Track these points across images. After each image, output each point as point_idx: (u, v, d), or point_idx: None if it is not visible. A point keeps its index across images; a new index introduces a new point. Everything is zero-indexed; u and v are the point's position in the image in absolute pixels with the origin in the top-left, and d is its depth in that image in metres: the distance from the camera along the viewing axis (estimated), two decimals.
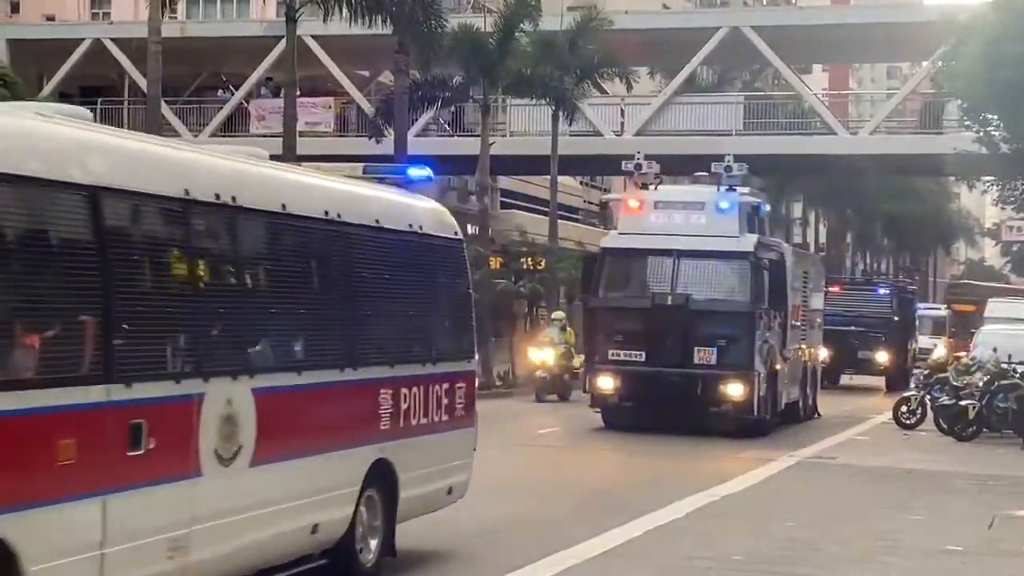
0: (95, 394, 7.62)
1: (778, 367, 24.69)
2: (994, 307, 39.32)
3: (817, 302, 30.84)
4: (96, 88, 47.08)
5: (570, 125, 40.39)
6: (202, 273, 8.74)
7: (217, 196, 8.88)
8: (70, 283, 7.59)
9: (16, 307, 7.23)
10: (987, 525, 14.75)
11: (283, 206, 9.63)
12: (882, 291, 43.82)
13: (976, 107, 32.90)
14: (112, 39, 44.75)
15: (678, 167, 44.23)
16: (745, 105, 44.17)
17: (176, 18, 46.49)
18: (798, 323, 27.16)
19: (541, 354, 32.15)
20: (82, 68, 45.59)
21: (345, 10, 32.76)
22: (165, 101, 33.99)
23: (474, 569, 11.86)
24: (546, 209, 43.13)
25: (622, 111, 44.33)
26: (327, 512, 9.91)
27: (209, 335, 8.78)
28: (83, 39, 45.50)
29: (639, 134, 42.14)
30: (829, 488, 17.81)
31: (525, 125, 43.63)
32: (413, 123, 39.17)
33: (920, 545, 13.41)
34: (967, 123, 34.23)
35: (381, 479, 10.63)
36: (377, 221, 10.93)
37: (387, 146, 36.14)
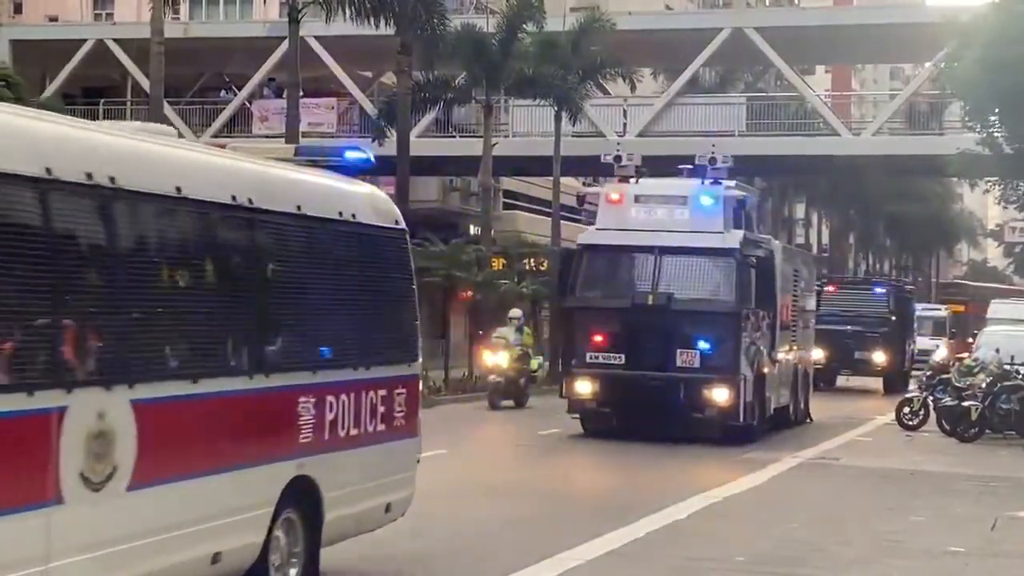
0: None
1: (766, 370, 23.45)
2: (996, 308, 39.28)
3: (809, 301, 29.75)
4: (99, 89, 47.11)
5: (573, 126, 40.39)
6: (69, 265, 7.56)
7: (89, 176, 7.68)
8: None
9: None
10: (989, 526, 14.75)
11: (178, 189, 8.39)
12: (879, 291, 43.07)
13: (978, 108, 32.89)
14: (115, 40, 44.78)
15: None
16: (748, 106, 44.15)
17: (179, 19, 46.58)
18: (788, 323, 26.02)
19: (494, 356, 29.45)
20: (85, 69, 45.61)
21: (348, 11, 32.79)
22: (168, 102, 33.98)
23: (475, 570, 11.86)
24: (548, 210, 43.14)
25: (625, 112, 44.34)
26: (232, 538, 8.72)
27: (73, 338, 7.50)
28: (86, 40, 45.53)
29: (642, 135, 42.14)
30: (832, 489, 17.80)
31: (528, 126, 43.64)
32: (415, 124, 39.15)
33: (923, 546, 13.41)
34: (970, 124, 34.22)
35: (301, 498, 9.50)
36: (299, 208, 9.69)
37: (389, 147, 36.15)
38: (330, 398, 9.86)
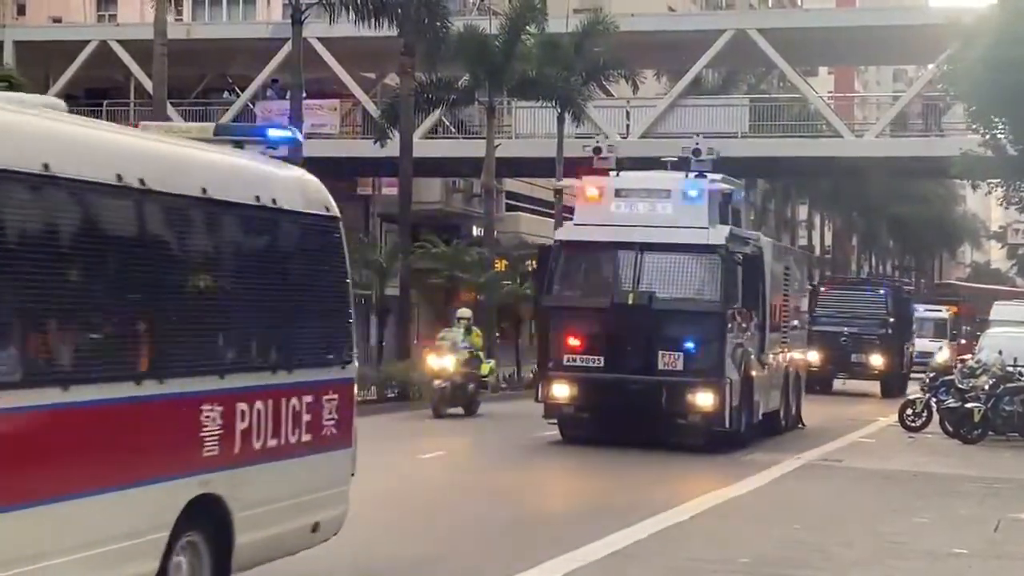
0: None
1: (754, 373, 22.35)
2: (999, 310, 39.25)
3: (801, 301, 28.65)
4: (102, 90, 47.17)
5: (575, 127, 40.42)
6: None
7: None
8: None
9: None
10: (992, 528, 14.73)
11: (45, 166, 7.30)
12: (877, 291, 41.89)
13: (982, 110, 32.88)
14: (118, 41, 44.84)
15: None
16: (751, 107, 44.18)
17: (182, 20, 46.62)
18: (778, 324, 24.95)
19: (440, 360, 27.00)
20: (88, 70, 45.66)
21: (351, 12, 32.82)
22: (171, 103, 34.01)
23: (478, 572, 11.86)
24: (551, 211, 43.16)
25: (627, 113, 44.38)
26: (117, 568, 7.72)
27: None
28: (89, 41, 45.59)
29: (644, 136, 42.17)
30: (834, 491, 17.79)
31: (530, 127, 43.66)
32: (418, 125, 39.18)
33: (926, 548, 13.40)
34: (973, 126, 34.22)
35: (207, 520, 8.46)
36: (204, 191, 8.58)
37: (392, 148, 36.18)
38: (242, 406, 8.80)
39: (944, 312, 53.50)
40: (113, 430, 7.79)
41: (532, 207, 54.10)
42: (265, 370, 9.17)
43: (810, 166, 47.20)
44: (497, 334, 36.66)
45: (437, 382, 26.76)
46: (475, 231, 48.26)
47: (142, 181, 8.03)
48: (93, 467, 7.59)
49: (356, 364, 10.42)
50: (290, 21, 32.56)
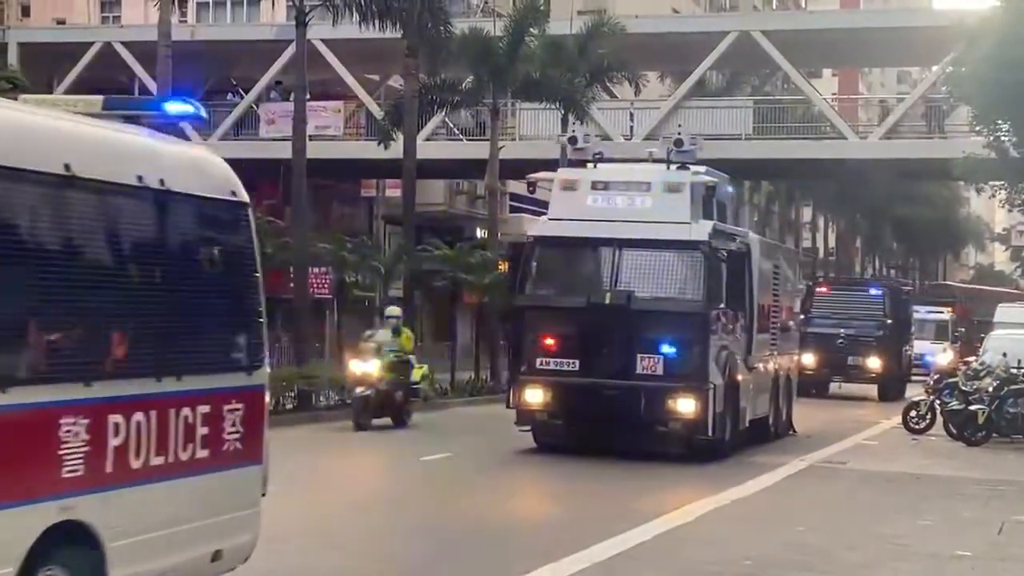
0: None
1: (740, 378, 21.17)
2: (1003, 312, 39.16)
3: (792, 301, 27.31)
4: (106, 91, 46.99)
5: (582, 125, 40.41)
6: None
7: None
8: None
9: None
10: (996, 530, 14.73)
11: None
12: (874, 292, 40.73)
13: (986, 112, 32.86)
14: (122, 42, 44.86)
15: None
16: (755, 109, 44.14)
17: (186, 21, 46.63)
18: (767, 325, 23.63)
19: (363, 364, 24.10)
20: (92, 71, 45.65)
21: (355, 14, 32.82)
22: None
23: (481, 574, 11.86)
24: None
25: (631, 115, 44.35)
26: None
27: None
28: (93, 42, 45.61)
29: (648, 138, 42.11)
30: (839, 493, 17.79)
31: (534, 129, 43.65)
32: (422, 127, 39.19)
33: (929, 550, 13.40)
34: (977, 128, 34.20)
35: (71, 551, 7.30)
36: (67, 168, 7.45)
37: (396, 149, 36.18)
38: (115, 418, 7.59)
39: (945, 314, 52.43)
40: None
41: (536, 209, 54.11)
42: (147, 377, 7.89)
43: (814, 168, 47.14)
44: (502, 341, 36.60)
45: (359, 389, 23.70)
46: (479, 233, 48.21)
47: None
48: None
49: (267, 369, 9.15)
50: (294, 23, 32.53)
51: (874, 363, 38.00)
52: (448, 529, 13.78)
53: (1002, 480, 19.39)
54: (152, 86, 36.42)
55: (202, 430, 8.30)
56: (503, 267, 39.62)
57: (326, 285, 39.85)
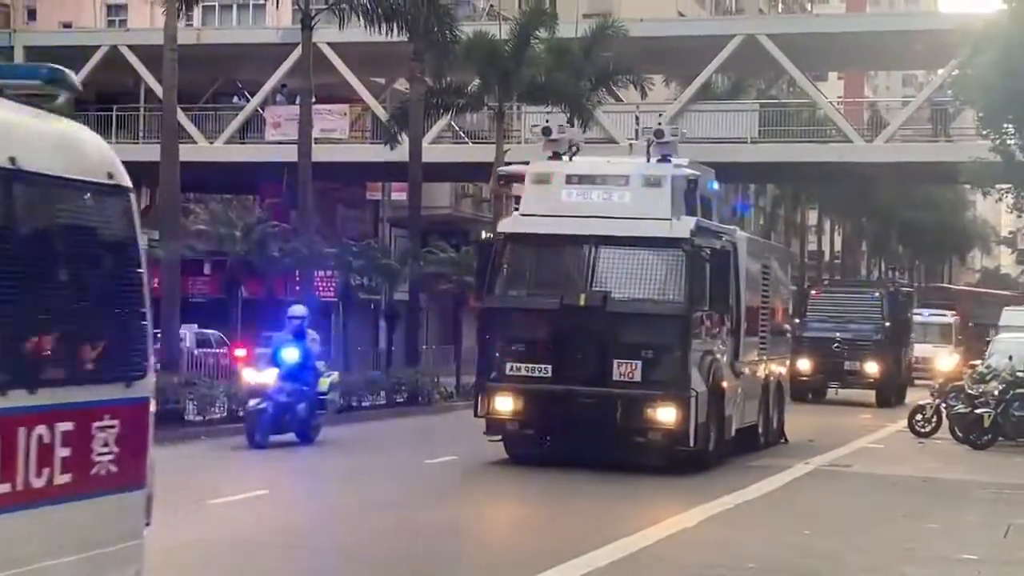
0: None
1: (725, 384, 19.89)
2: (1009, 316, 39.06)
3: (784, 303, 25.88)
4: (112, 95, 47.23)
5: (584, 132, 40.42)
6: None
7: None
8: None
9: None
10: (1002, 534, 14.72)
11: None
12: (872, 294, 39.27)
13: (992, 115, 32.85)
14: (128, 46, 44.93)
15: None
16: (760, 113, 44.14)
17: (192, 25, 46.65)
18: (755, 329, 22.34)
19: (257, 373, 21.16)
20: (98, 75, 45.68)
21: (361, 18, 32.87)
22: (181, 108, 34.08)
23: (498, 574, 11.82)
24: None
25: (637, 118, 44.30)
26: None
27: None
28: (99, 46, 45.67)
29: None
30: (844, 496, 17.77)
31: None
32: (428, 130, 39.22)
33: (935, 553, 13.39)
34: (983, 132, 34.18)
35: None
36: None
37: (402, 153, 36.21)
38: None
39: (949, 317, 51.06)
40: None
41: None
42: None
43: (819, 171, 47.15)
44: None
45: (253, 402, 20.65)
46: (484, 236, 48.23)
47: None
48: None
49: (152, 378, 7.84)
50: (300, 26, 32.62)
51: (872, 368, 36.76)
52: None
53: (1008, 484, 19.37)
54: (158, 89, 36.45)
55: (63, 451, 6.90)
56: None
57: (332, 288, 39.90)
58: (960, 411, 24.74)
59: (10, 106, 7.28)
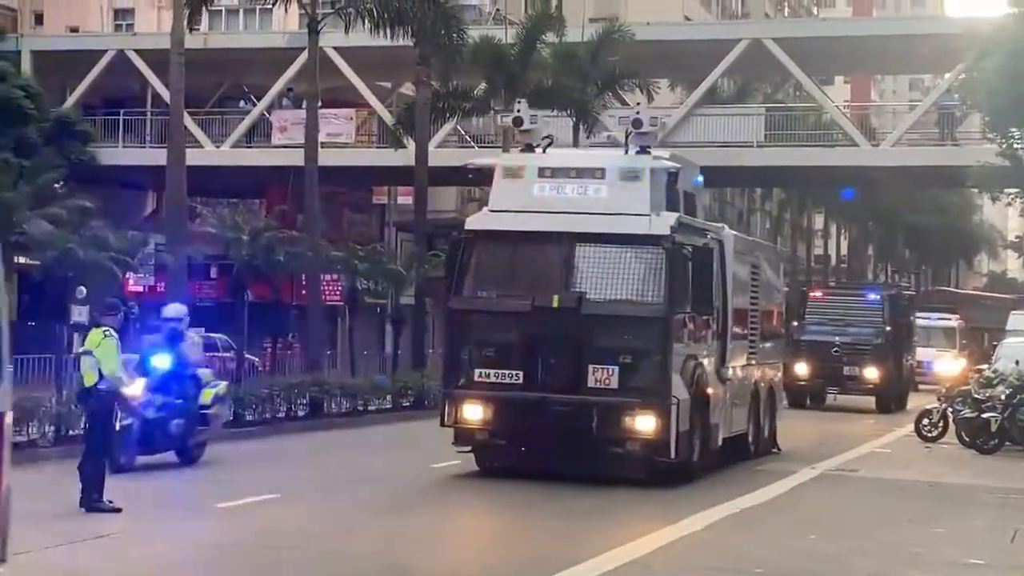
0: None
1: (710, 391, 18.74)
2: (1016, 320, 38.98)
3: (777, 305, 24.57)
4: (119, 99, 47.34)
5: (590, 136, 40.44)
6: None
7: None
8: None
9: None
10: (1009, 538, 14.70)
11: None
12: (871, 296, 37.90)
13: (998, 119, 32.84)
14: (135, 50, 45.00)
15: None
16: (766, 117, 44.13)
17: (199, 29, 46.67)
18: (744, 332, 21.21)
19: (128, 385, 15.67)
20: (105, 79, 45.82)
21: (367, 22, 32.91)
22: (187, 112, 34.13)
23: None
24: None
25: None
26: None
27: None
28: (106, 50, 45.75)
29: (660, 145, 42.12)
30: (851, 501, 17.75)
31: None
32: (434, 134, 39.24)
33: (942, 558, 13.37)
34: (990, 135, 34.17)
35: None
36: None
37: (408, 156, 36.23)
38: None
39: (953, 321, 50.14)
40: None
41: None
42: None
43: (826, 175, 47.14)
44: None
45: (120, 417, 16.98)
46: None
47: None
48: None
49: (8, 387, 6.78)
50: (306, 31, 32.65)
51: (872, 373, 35.70)
52: None
53: (1015, 488, 19.34)
54: (165, 94, 36.51)
55: None
56: None
57: (338, 292, 39.94)
58: (967, 415, 24.71)
59: None
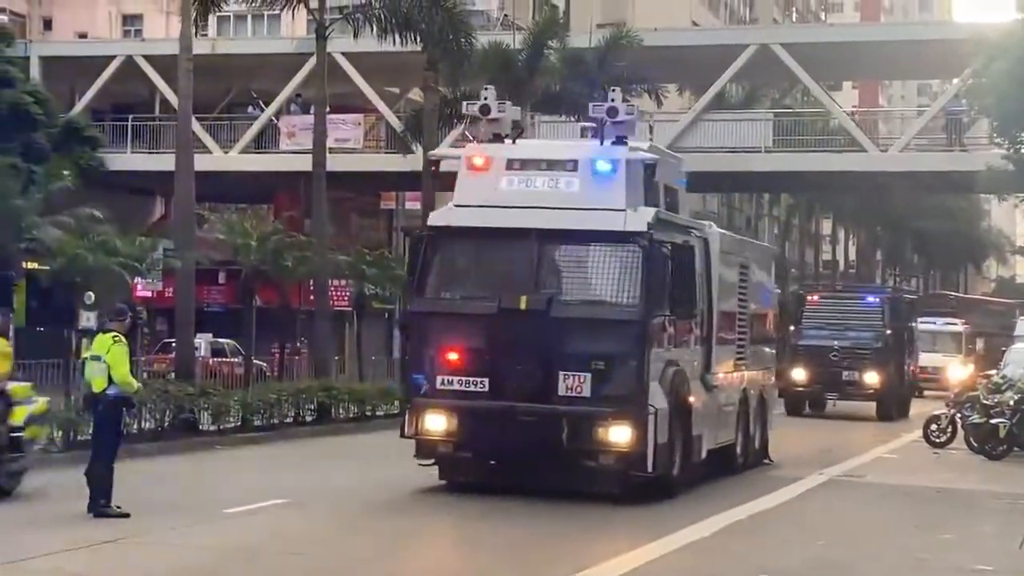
0: None
1: (692, 399, 17.56)
2: None
3: (769, 307, 23.27)
4: (128, 105, 47.39)
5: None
6: None
7: None
8: None
9: None
10: (1017, 544, 14.66)
11: None
12: (871, 300, 36.57)
13: (1006, 124, 32.81)
14: (144, 56, 45.06)
15: (706, 184, 44.23)
16: (774, 122, 44.09)
17: (207, 35, 46.79)
18: (731, 337, 19.97)
19: None
20: (114, 85, 45.88)
21: (375, 28, 32.94)
22: (196, 117, 34.14)
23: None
24: None
25: (651, 128, 44.25)
26: None
27: None
28: (115, 56, 45.81)
29: (669, 150, 42.14)
30: (858, 507, 17.74)
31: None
32: (442, 139, 39.26)
33: (950, 564, 13.36)
34: (997, 140, 34.13)
35: None
36: None
37: (416, 162, 36.24)
38: None
39: (959, 325, 49.21)
40: None
41: None
42: None
43: (834, 181, 47.09)
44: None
45: None
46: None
47: None
48: None
49: None
50: (314, 36, 32.67)
51: (871, 378, 34.43)
52: None
53: (1023, 494, 19.32)
54: (173, 99, 36.55)
55: None
56: None
57: (346, 297, 39.95)
58: (975, 421, 24.68)
59: None
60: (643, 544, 13.46)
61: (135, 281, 30.76)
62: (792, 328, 35.47)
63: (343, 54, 40.19)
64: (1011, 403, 24.29)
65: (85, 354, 15.89)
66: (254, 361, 34.55)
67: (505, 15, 50.81)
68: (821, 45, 44.31)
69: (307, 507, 15.72)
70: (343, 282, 39.04)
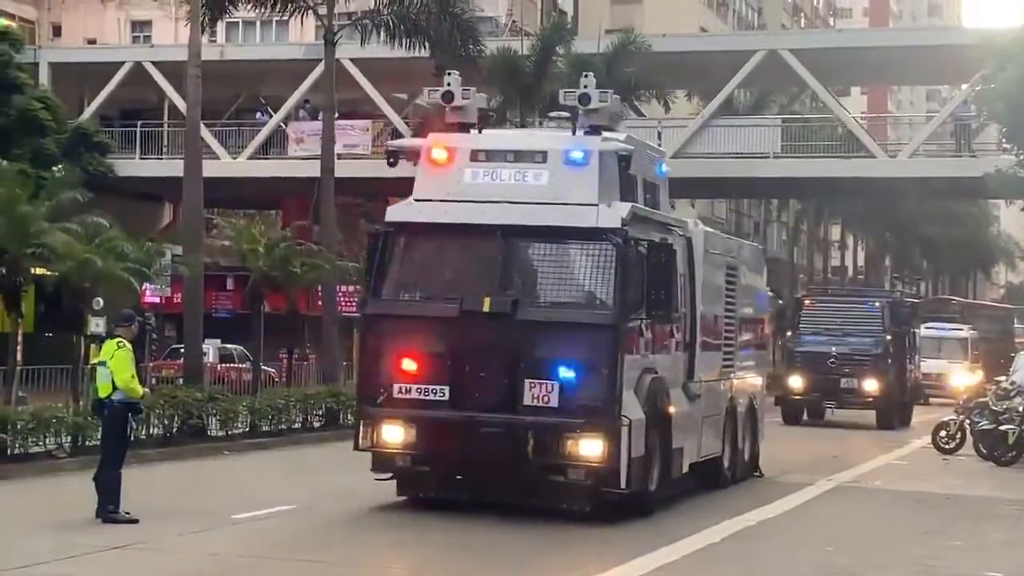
0: None
1: (672, 409, 16.32)
2: None
3: (760, 311, 21.89)
4: (136, 111, 47.49)
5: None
6: None
7: None
8: None
9: None
10: None
11: None
12: (871, 304, 35.37)
13: (1016, 130, 32.75)
14: (152, 62, 45.14)
15: (715, 190, 44.21)
16: (783, 128, 44.07)
17: (216, 41, 46.90)
18: (718, 342, 18.78)
19: None
20: (123, 91, 45.96)
21: (383, 34, 32.99)
22: (204, 123, 34.23)
23: None
24: None
25: (659, 133, 44.27)
26: None
27: None
28: (124, 62, 45.90)
29: (676, 156, 42.05)
30: (867, 513, 17.70)
31: None
32: None
33: (959, 571, 13.33)
34: (1006, 146, 34.07)
35: None
36: None
37: None
38: None
39: (965, 331, 48.15)
40: None
41: None
42: None
43: (842, 186, 47.05)
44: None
45: None
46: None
47: None
48: None
49: None
50: (323, 42, 32.74)
51: (871, 385, 33.27)
52: None
53: None
54: (182, 105, 36.61)
55: None
56: None
57: (354, 303, 39.94)
58: (984, 427, 24.65)
59: None
60: (611, 567, 12.49)
61: (144, 287, 30.80)
62: (789, 333, 35.18)
63: (351, 60, 40.23)
64: (1020, 409, 24.25)
65: (94, 360, 16.01)
66: (262, 367, 34.56)
67: (513, 21, 50.86)
68: (829, 51, 44.29)
69: (315, 513, 15.70)
70: (351, 288, 39.05)
